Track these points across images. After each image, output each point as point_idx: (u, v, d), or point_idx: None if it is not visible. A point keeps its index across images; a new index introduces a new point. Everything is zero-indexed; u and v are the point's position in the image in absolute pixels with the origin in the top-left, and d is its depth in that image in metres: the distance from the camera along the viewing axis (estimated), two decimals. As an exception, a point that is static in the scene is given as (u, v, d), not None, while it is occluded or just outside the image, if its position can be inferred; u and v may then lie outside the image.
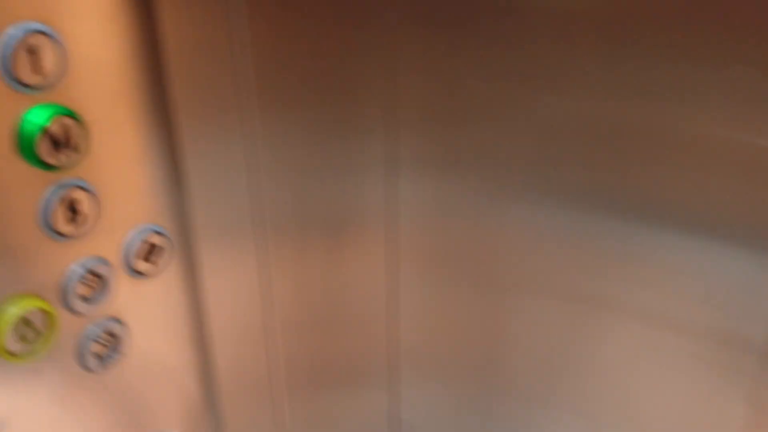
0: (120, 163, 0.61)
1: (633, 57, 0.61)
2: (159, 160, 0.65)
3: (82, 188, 0.58)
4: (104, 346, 0.64)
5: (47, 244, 0.57)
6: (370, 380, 0.88)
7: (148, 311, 0.68)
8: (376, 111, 0.72)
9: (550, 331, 0.78)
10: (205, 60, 0.64)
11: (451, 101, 0.70)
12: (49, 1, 0.53)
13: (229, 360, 0.78)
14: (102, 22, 0.57)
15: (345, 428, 0.90)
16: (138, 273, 0.65)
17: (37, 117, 0.53)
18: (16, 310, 0.56)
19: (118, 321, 0.65)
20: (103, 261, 0.62)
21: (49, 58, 0.53)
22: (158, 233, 0.66)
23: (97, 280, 0.62)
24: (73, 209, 0.58)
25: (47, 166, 0.54)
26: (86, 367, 0.64)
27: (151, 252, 0.66)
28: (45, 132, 0.53)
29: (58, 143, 0.54)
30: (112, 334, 0.65)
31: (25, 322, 0.56)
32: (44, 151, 0.53)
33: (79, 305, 0.61)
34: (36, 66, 0.52)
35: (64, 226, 0.57)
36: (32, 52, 0.51)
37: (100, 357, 0.64)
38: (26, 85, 0.52)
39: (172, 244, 0.68)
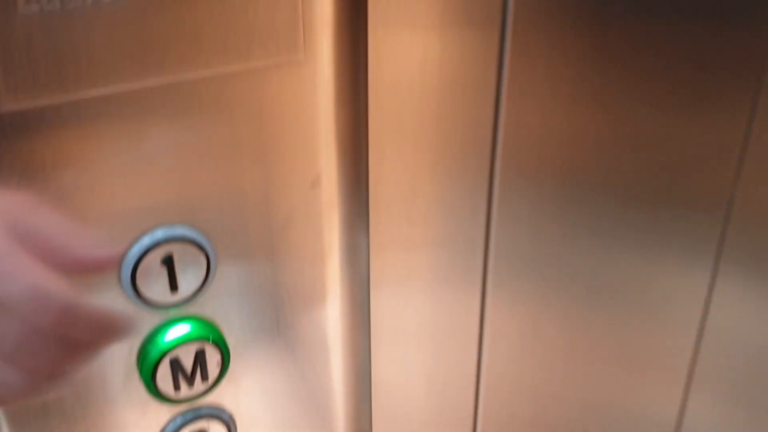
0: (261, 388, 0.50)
1: None
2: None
3: (216, 417, 0.47)
4: None
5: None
6: None
7: None
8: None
9: None
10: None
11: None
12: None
13: None
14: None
15: None
16: None
17: (162, 338, 0.43)
18: None
19: None
20: None
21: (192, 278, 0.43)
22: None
23: None
24: (201, 446, 0.47)
25: (168, 400, 0.45)
26: None
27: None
28: (169, 358, 0.43)
29: (184, 373, 0.44)
30: None
31: None
32: (164, 381, 0.44)
33: None
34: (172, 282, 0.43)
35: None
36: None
37: None
38: (158, 305, 0.43)
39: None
